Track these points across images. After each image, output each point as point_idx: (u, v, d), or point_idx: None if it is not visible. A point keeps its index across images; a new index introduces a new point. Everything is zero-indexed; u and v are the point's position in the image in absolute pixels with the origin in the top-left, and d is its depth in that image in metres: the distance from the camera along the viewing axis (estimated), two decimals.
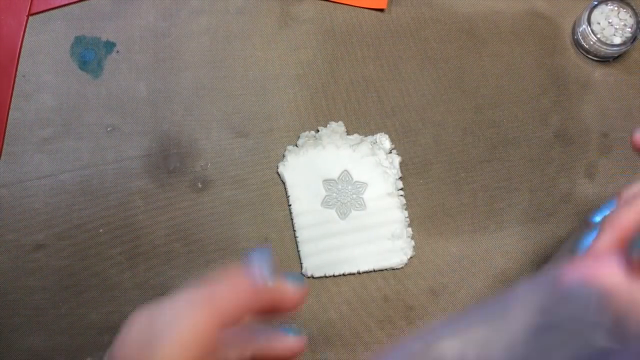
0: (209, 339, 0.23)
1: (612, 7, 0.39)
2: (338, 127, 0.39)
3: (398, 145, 0.39)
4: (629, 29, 0.39)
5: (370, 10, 0.41)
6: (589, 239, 0.27)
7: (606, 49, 0.38)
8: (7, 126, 0.40)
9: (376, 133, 0.39)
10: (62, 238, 0.39)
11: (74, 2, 0.41)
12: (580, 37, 0.40)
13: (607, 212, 0.27)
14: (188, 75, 0.41)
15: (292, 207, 0.38)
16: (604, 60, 0.40)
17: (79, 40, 0.41)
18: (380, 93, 0.40)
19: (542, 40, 0.41)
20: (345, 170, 0.38)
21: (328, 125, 0.40)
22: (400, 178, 0.39)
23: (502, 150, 0.40)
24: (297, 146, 0.39)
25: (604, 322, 0.20)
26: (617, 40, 0.39)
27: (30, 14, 0.41)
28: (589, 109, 0.40)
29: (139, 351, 0.23)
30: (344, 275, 0.38)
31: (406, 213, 0.38)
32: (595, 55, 0.40)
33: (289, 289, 0.24)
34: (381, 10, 0.41)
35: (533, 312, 0.21)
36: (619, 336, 0.20)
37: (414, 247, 0.38)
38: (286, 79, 0.40)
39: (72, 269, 0.39)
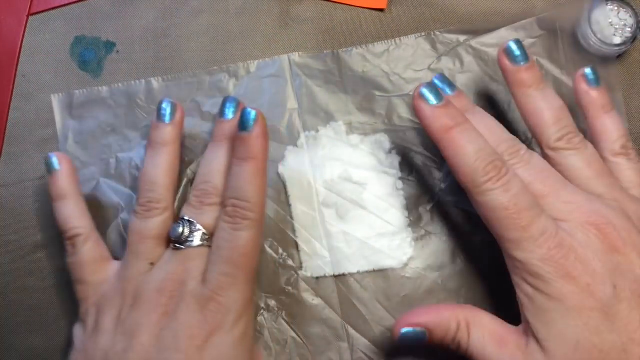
0: None
1: (612, 7, 0.39)
2: (339, 127, 0.39)
3: (399, 145, 0.39)
4: (629, 29, 0.39)
5: (370, 10, 0.41)
6: None
7: (606, 49, 0.38)
8: (7, 126, 0.40)
9: (376, 133, 0.39)
10: (62, 238, 0.39)
11: (74, 2, 0.41)
12: (580, 37, 0.40)
13: None
14: None
15: (291, 207, 0.38)
16: (604, 60, 0.40)
17: (79, 40, 0.41)
18: None
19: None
20: (346, 171, 0.38)
21: (328, 125, 0.40)
22: (400, 178, 0.39)
23: None
24: (297, 146, 0.39)
25: None
26: (617, 40, 0.39)
27: (30, 14, 0.41)
28: None
29: None
30: (343, 275, 0.38)
31: (406, 213, 0.38)
32: (595, 56, 0.40)
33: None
34: (381, 10, 0.41)
35: None
36: None
37: (414, 247, 0.38)
38: None
39: None
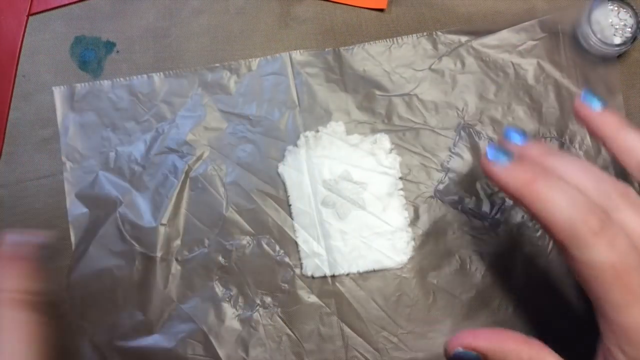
0: None
1: (612, 7, 0.39)
2: (338, 127, 0.39)
3: (399, 145, 0.39)
4: (629, 29, 0.39)
5: (370, 10, 0.41)
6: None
7: (606, 49, 0.38)
8: (7, 126, 0.40)
9: (376, 132, 0.39)
10: (62, 238, 0.39)
11: (74, 2, 0.41)
12: (580, 37, 0.40)
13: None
14: None
15: (292, 207, 0.38)
16: (604, 60, 0.40)
17: (79, 40, 0.41)
18: None
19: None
20: (345, 170, 0.38)
21: (328, 125, 0.40)
22: (400, 178, 0.39)
23: None
24: (297, 146, 0.39)
25: None
26: (617, 40, 0.39)
27: (30, 14, 0.41)
28: None
29: None
30: (344, 275, 0.38)
31: (406, 213, 0.38)
32: (595, 56, 0.40)
33: None
34: (381, 10, 0.41)
35: None
36: None
37: (414, 247, 0.38)
38: None
39: None
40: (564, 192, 0.25)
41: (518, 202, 0.27)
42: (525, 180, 0.26)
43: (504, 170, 0.27)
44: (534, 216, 0.26)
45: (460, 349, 0.28)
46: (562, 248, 0.25)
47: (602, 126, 0.29)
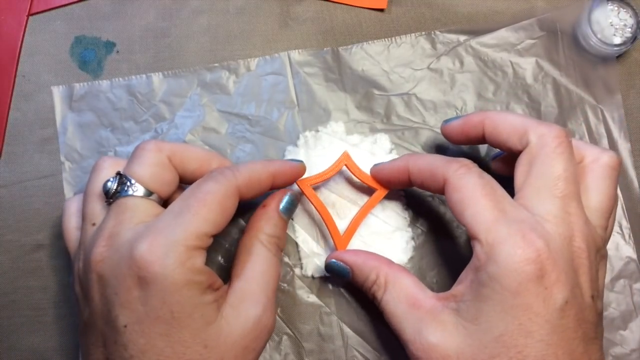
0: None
1: (612, 7, 0.39)
2: (338, 127, 0.40)
3: (398, 145, 0.39)
4: (629, 29, 0.39)
5: (370, 10, 0.41)
6: None
7: (606, 49, 0.39)
8: (7, 126, 0.40)
9: (375, 132, 0.40)
10: (62, 238, 0.39)
11: (74, 2, 0.41)
12: (580, 37, 0.40)
13: None
14: None
15: None
16: (604, 60, 0.40)
17: (79, 40, 0.41)
18: None
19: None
20: (345, 170, 0.38)
21: (328, 125, 0.40)
22: None
23: None
24: (296, 146, 0.39)
25: None
26: (617, 40, 0.39)
27: (30, 14, 0.41)
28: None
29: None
30: None
31: (406, 213, 0.38)
32: (595, 56, 0.40)
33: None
34: (381, 10, 0.41)
35: None
36: None
37: (413, 247, 0.38)
38: None
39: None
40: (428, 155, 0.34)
41: (403, 178, 0.34)
42: (402, 158, 0.34)
43: (385, 165, 0.35)
44: (416, 179, 0.33)
45: (333, 260, 0.34)
46: (440, 188, 0.31)
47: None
